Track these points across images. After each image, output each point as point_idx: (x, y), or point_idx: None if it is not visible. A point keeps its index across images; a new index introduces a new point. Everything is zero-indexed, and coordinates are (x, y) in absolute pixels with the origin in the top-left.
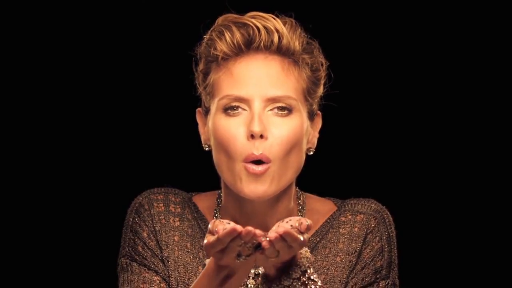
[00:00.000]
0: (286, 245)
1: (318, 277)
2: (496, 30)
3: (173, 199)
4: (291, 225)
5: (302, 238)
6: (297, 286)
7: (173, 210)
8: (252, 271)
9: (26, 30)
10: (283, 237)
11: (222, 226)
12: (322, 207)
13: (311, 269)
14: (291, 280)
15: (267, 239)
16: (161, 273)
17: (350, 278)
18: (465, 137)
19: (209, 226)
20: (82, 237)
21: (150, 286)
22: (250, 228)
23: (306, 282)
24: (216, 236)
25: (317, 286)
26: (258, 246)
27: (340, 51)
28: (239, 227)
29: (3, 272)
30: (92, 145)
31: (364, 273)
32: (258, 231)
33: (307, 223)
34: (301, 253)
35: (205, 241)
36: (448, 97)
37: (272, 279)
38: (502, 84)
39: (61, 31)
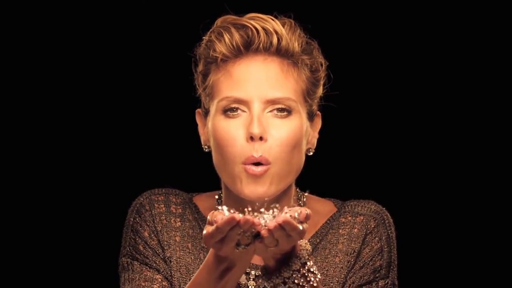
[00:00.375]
0: (285, 234)
1: (318, 270)
2: (496, 30)
3: (173, 199)
4: (290, 215)
5: (301, 227)
6: (297, 278)
7: (174, 211)
8: (253, 272)
9: (25, 31)
10: (282, 226)
11: (221, 215)
12: (322, 208)
13: (311, 261)
14: (291, 272)
15: (266, 228)
16: (162, 271)
17: (348, 277)
18: (465, 138)
19: (208, 217)
20: (83, 238)
21: (152, 284)
22: (248, 216)
23: (306, 274)
24: (215, 225)
25: (317, 279)
26: (257, 235)
27: (340, 51)
28: (237, 216)
29: (3, 272)
30: (93, 146)
31: (362, 272)
32: (256, 220)
33: (306, 212)
34: (301, 245)
35: (204, 231)
36: (448, 98)
37: (272, 271)
38: (502, 84)
39: (61, 32)
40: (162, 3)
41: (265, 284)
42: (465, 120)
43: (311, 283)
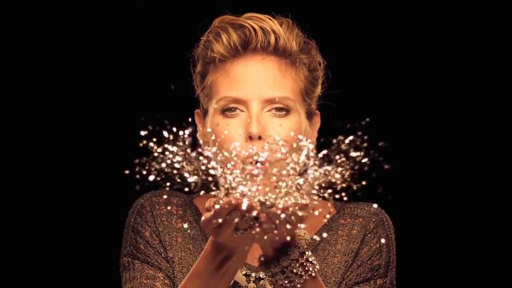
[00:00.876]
0: (284, 219)
1: (316, 260)
2: (495, 30)
3: (174, 201)
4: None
5: (300, 214)
6: (295, 267)
7: (175, 212)
8: (253, 274)
9: (25, 30)
10: (281, 211)
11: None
12: (322, 210)
13: (310, 251)
14: (289, 261)
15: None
16: (164, 270)
17: (345, 276)
18: (463, 140)
19: (206, 204)
20: (83, 240)
21: (154, 282)
22: (245, 200)
23: (304, 263)
24: (213, 209)
25: (315, 269)
26: (256, 220)
27: (338, 51)
28: (235, 200)
29: (4, 272)
30: (93, 147)
31: (360, 270)
32: (254, 203)
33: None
34: (299, 235)
35: (203, 218)
36: (446, 96)
37: (270, 260)
38: (500, 86)
39: (60, 32)
40: (161, 4)
41: (264, 273)
42: (464, 121)
43: (309, 273)
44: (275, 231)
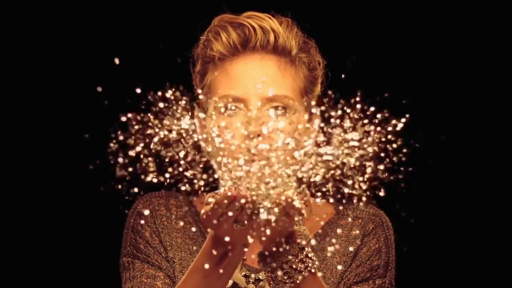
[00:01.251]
0: (283, 212)
1: (316, 257)
2: (492, 31)
3: (174, 202)
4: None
5: (298, 205)
6: (295, 263)
7: (175, 213)
8: (253, 275)
9: (25, 30)
10: (279, 203)
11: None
12: (322, 211)
13: (309, 247)
14: (289, 257)
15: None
16: (165, 269)
17: (344, 276)
18: (464, 141)
19: (205, 198)
20: (83, 240)
21: (154, 281)
22: (244, 193)
23: (304, 259)
24: (212, 202)
25: (315, 265)
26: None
27: (338, 50)
28: (233, 192)
29: (5, 273)
30: (92, 148)
31: (358, 270)
32: (253, 196)
33: (305, 192)
34: (299, 231)
35: (202, 211)
36: (447, 95)
37: (269, 255)
38: (499, 87)
39: (60, 31)
40: (161, 4)
41: (263, 269)
42: (464, 121)
43: (309, 269)
44: (274, 224)
